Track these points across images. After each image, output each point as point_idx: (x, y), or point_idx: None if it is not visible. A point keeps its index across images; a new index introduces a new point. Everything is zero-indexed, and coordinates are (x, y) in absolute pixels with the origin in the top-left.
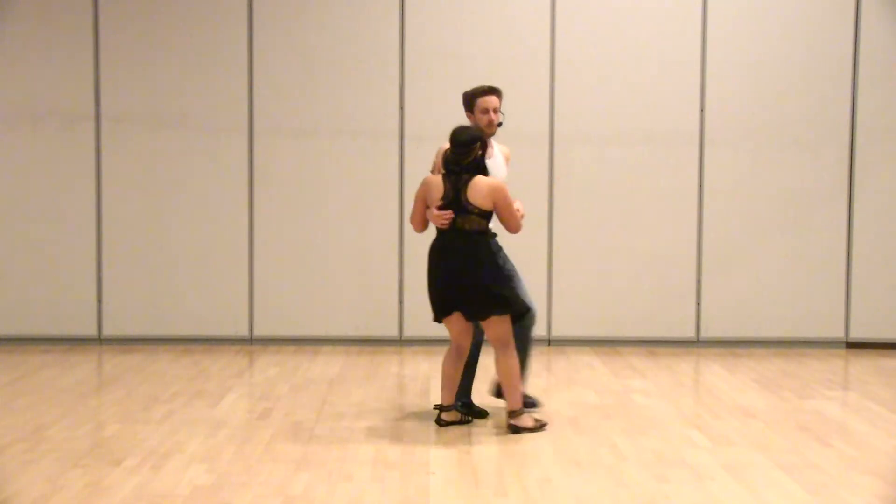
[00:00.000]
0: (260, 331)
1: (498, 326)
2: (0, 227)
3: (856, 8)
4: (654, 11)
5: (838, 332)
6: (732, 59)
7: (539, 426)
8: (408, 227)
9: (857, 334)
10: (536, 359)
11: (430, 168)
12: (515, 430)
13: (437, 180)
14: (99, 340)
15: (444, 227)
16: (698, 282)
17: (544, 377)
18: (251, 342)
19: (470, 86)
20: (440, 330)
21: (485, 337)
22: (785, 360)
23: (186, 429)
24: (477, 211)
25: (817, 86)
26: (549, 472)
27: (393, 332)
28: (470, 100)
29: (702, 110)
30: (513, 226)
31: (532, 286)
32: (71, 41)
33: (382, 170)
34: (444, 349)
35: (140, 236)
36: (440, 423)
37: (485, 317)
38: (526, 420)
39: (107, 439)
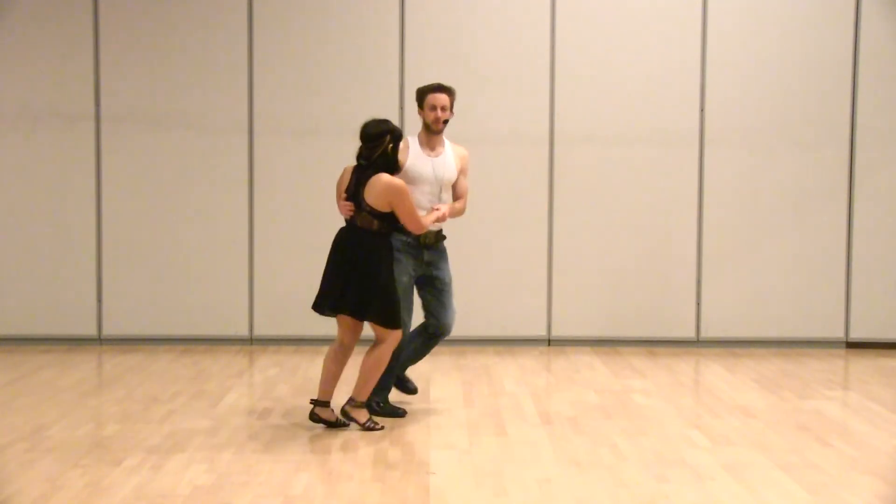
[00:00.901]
0: (260, 331)
1: (376, 329)
2: (0, 227)
3: (856, 8)
4: (654, 11)
5: (838, 332)
6: (732, 59)
7: (371, 427)
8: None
9: (857, 334)
10: (536, 358)
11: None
12: (347, 417)
13: (348, 171)
14: (99, 340)
15: (347, 218)
16: (698, 282)
17: (544, 377)
18: (251, 342)
19: (469, 87)
20: None
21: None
22: (785, 360)
23: (186, 429)
24: (369, 209)
25: (817, 86)
26: (549, 472)
27: None
28: (420, 96)
29: (702, 110)
30: (412, 226)
31: (532, 286)
32: (71, 41)
33: None
34: (444, 349)
35: (140, 236)
36: (313, 418)
37: (361, 317)
38: (362, 414)
39: (107, 439)
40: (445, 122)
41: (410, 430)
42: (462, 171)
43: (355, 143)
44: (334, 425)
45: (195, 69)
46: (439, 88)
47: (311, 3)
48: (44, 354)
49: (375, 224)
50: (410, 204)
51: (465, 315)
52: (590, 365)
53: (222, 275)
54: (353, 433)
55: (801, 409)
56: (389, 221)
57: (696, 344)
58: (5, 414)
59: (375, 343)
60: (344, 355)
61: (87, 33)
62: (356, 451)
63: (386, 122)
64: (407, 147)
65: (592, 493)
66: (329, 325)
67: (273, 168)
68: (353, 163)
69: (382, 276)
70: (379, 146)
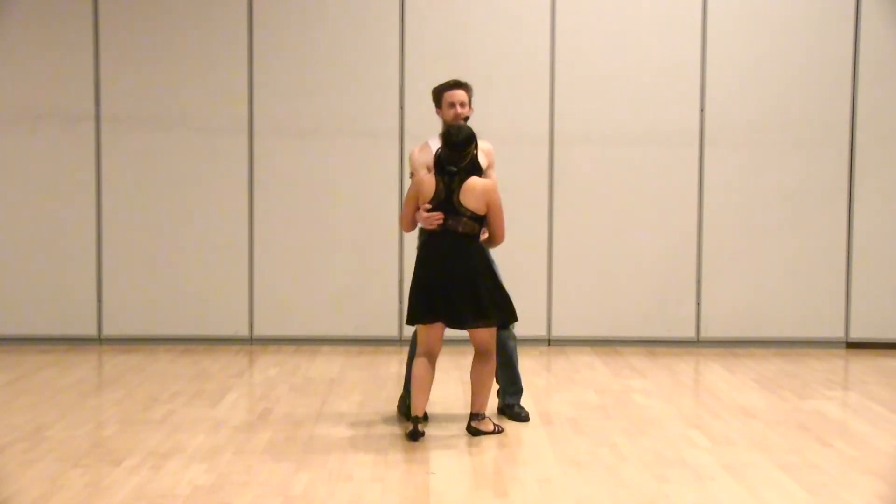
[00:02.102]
0: (260, 331)
1: (485, 333)
2: (0, 226)
3: (856, 8)
4: (654, 11)
5: (838, 332)
6: (732, 59)
7: (498, 430)
8: None
9: (857, 334)
10: (536, 359)
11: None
12: (476, 432)
13: (430, 179)
14: (99, 340)
15: (433, 228)
16: (698, 282)
17: (544, 377)
18: (251, 342)
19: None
20: None
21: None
22: (785, 360)
23: (186, 429)
24: (469, 214)
25: (817, 86)
26: (549, 472)
27: (393, 332)
28: (437, 95)
29: (702, 110)
30: (499, 233)
31: (532, 286)
32: (71, 41)
33: (382, 170)
34: (444, 349)
35: (140, 236)
36: (417, 436)
37: (475, 325)
38: (487, 424)
39: (107, 439)
40: (466, 118)
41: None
42: (489, 166)
43: (355, 143)
44: (419, 435)
45: (195, 69)
46: (456, 85)
47: (310, 3)
48: (44, 354)
49: (477, 228)
50: (502, 207)
51: None
52: (590, 365)
53: (222, 275)
54: (351, 433)
55: (801, 409)
56: (482, 224)
57: (696, 344)
58: (5, 414)
59: (480, 351)
60: (433, 363)
61: (87, 33)
62: (356, 451)
63: (467, 127)
64: (428, 149)
65: (592, 493)
66: (329, 326)
67: (273, 168)
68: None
69: (491, 278)
70: (469, 152)
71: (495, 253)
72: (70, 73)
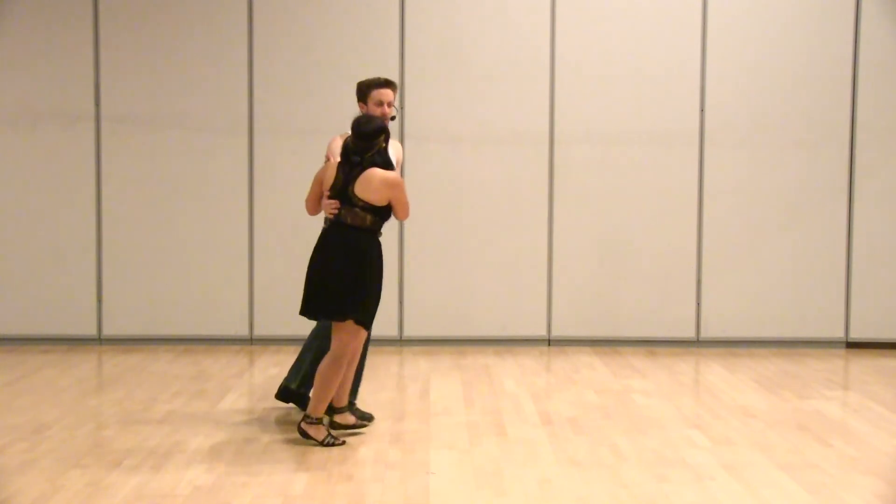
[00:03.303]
0: (260, 331)
1: (343, 331)
2: (0, 226)
3: (856, 8)
4: (654, 12)
5: (838, 332)
6: (732, 60)
7: (330, 442)
8: (407, 227)
9: (857, 334)
10: (536, 358)
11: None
12: (305, 435)
13: (332, 171)
14: (99, 340)
15: (330, 217)
16: (698, 282)
17: (544, 377)
18: (251, 342)
19: (469, 87)
20: (440, 330)
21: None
22: (785, 360)
23: (186, 429)
24: (361, 205)
25: (817, 86)
26: (549, 472)
27: (393, 332)
28: (364, 90)
29: (702, 110)
30: (405, 216)
31: (532, 286)
32: (71, 41)
33: None
34: (444, 349)
35: (140, 236)
36: (336, 427)
37: (333, 317)
38: (320, 432)
39: (107, 439)
40: (392, 118)
41: (410, 430)
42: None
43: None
44: (355, 429)
45: (195, 69)
46: (385, 84)
47: (310, 3)
48: (44, 354)
49: (369, 220)
50: (406, 195)
51: (465, 315)
52: (590, 365)
53: (222, 275)
54: (352, 433)
55: (801, 409)
56: (381, 217)
57: (696, 344)
58: (5, 414)
59: (333, 350)
60: (353, 359)
61: (87, 33)
62: (356, 451)
63: (377, 118)
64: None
65: (592, 493)
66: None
67: (273, 168)
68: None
69: (375, 275)
70: (375, 144)
71: (491, 257)
72: (70, 73)
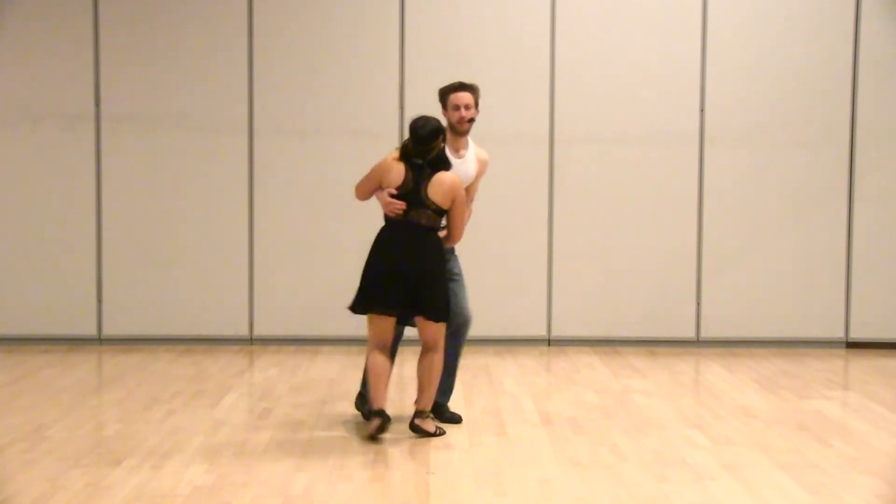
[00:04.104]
0: (260, 331)
1: (435, 328)
2: (0, 226)
3: (856, 8)
4: (654, 11)
5: (838, 332)
6: (732, 59)
7: (439, 432)
8: None
9: (857, 334)
10: (536, 358)
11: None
12: (418, 430)
13: (399, 167)
14: (99, 340)
15: (393, 216)
16: (698, 282)
17: (544, 377)
18: (251, 342)
19: None
20: None
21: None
22: (785, 360)
23: (186, 429)
24: (434, 207)
25: (817, 86)
26: (549, 472)
27: None
28: (442, 96)
29: (702, 110)
30: (458, 231)
31: (532, 286)
32: (71, 41)
33: None
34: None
35: (140, 236)
36: (381, 430)
37: (426, 315)
38: (430, 424)
39: (107, 439)
40: (471, 121)
41: (410, 431)
42: (479, 175)
43: (355, 143)
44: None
45: (195, 69)
46: (461, 87)
47: (311, 3)
48: (44, 354)
49: (439, 221)
50: (466, 207)
51: None
52: (590, 365)
53: (222, 275)
54: (351, 433)
55: (801, 409)
56: (442, 219)
57: (696, 344)
58: (5, 414)
59: (428, 347)
60: (388, 354)
61: (87, 33)
62: (356, 451)
63: (433, 119)
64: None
65: (592, 493)
66: (329, 326)
67: (273, 168)
68: (382, 158)
69: (445, 274)
70: (435, 146)
71: (491, 257)
72: (70, 73)
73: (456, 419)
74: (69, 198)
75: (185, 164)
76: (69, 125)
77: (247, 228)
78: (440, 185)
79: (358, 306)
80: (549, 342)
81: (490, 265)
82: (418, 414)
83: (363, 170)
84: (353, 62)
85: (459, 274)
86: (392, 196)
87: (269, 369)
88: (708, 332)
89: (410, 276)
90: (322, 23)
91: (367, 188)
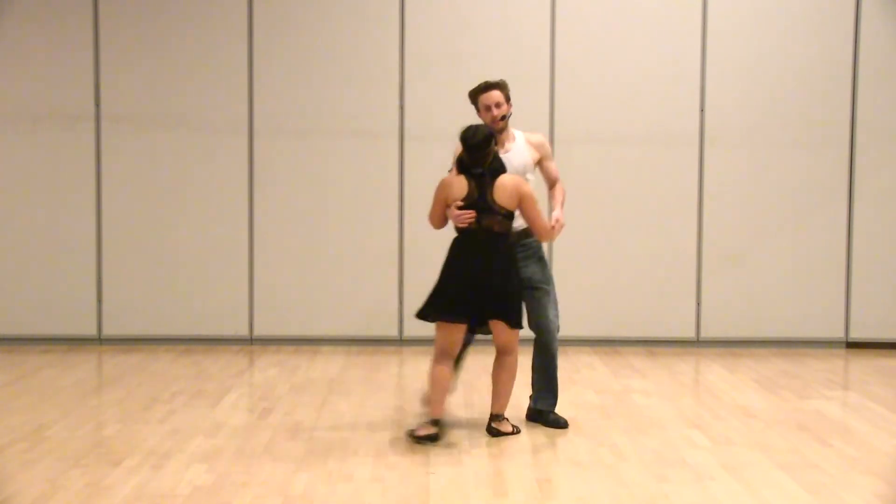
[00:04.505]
0: (260, 331)
1: (508, 333)
2: (0, 226)
3: (856, 8)
4: (654, 11)
5: (838, 332)
6: (732, 60)
7: (516, 431)
8: (408, 227)
9: (857, 334)
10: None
11: (448, 168)
12: (496, 433)
13: (460, 181)
14: (99, 340)
15: (465, 226)
16: (698, 282)
17: None
18: (251, 342)
19: (469, 87)
20: None
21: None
22: (785, 360)
23: (186, 429)
24: (504, 212)
25: (817, 86)
26: (549, 472)
27: (393, 332)
28: (472, 99)
29: (702, 110)
30: (540, 226)
31: None
32: (71, 41)
33: (382, 170)
34: None
35: (140, 236)
36: (434, 440)
37: (503, 319)
38: (506, 426)
39: (107, 439)
40: (504, 118)
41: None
42: (544, 157)
43: (355, 143)
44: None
45: (195, 69)
46: (487, 87)
47: (311, 3)
48: (44, 354)
49: (510, 226)
50: (536, 200)
51: None
52: (590, 365)
53: (222, 275)
54: (351, 433)
55: (801, 409)
56: (512, 221)
57: (696, 344)
58: (5, 414)
59: (503, 352)
60: (452, 364)
61: (87, 33)
62: (356, 451)
63: (482, 126)
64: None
65: (592, 493)
66: (329, 326)
67: (273, 168)
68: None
69: (519, 279)
70: (489, 152)
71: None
72: (70, 73)
73: (561, 423)
74: (69, 198)
75: (185, 164)
76: (69, 125)
77: (247, 228)
78: (503, 189)
79: (429, 314)
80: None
81: None
82: (494, 418)
83: (363, 169)
84: (353, 62)
85: (544, 281)
86: (459, 208)
87: (269, 369)
88: (708, 332)
89: (485, 283)
90: (322, 23)
91: (438, 212)
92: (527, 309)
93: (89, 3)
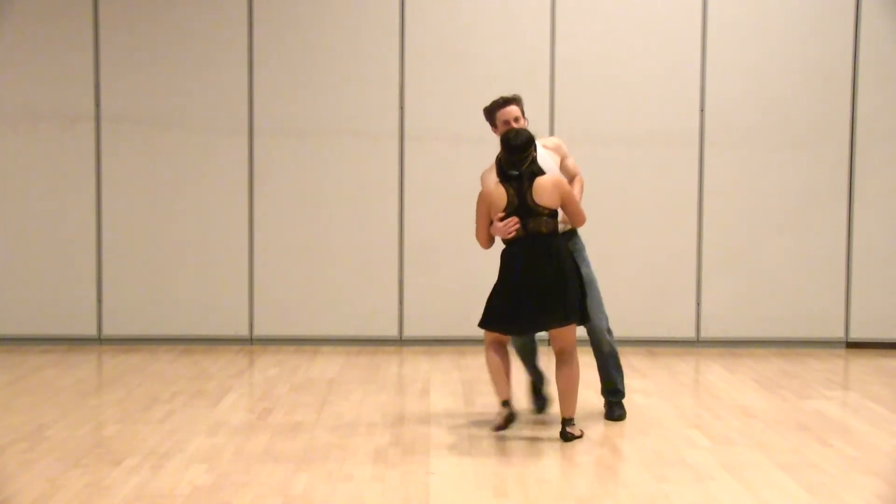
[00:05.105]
0: (260, 331)
1: (570, 333)
2: (0, 226)
3: (856, 8)
4: (655, 12)
5: (838, 332)
6: (732, 60)
7: (581, 434)
8: (408, 227)
9: (857, 334)
10: None
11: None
12: (569, 437)
13: (498, 190)
14: (99, 340)
15: (512, 235)
16: (698, 282)
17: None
18: (251, 342)
19: (469, 87)
20: (440, 330)
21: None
22: (785, 360)
23: (186, 429)
24: (547, 212)
25: (817, 86)
26: (549, 472)
27: (393, 332)
28: (490, 116)
29: (702, 110)
30: (577, 215)
31: None
32: (71, 41)
33: (382, 170)
34: (444, 349)
35: (140, 236)
36: (510, 419)
37: (563, 324)
38: (576, 429)
39: (107, 439)
40: None
41: (410, 430)
42: (563, 157)
43: (355, 143)
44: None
45: (195, 69)
46: (506, 102)
47: (311, 3)
48: (44, 354)
49: (555, 224)
50: (574, 194)
51: (465, 315)
52: (590, 365)
53: (222, 275)
54: (351, 433)
55: (801, 409)
56: (556, 219)
57: (696, 344)
58: (5, 414)
59: (566, 352)
60: (505, 349)
61: (87, 33)
62: (356, 451)
63: (525, 130)
64: (493, 169)
65: (592, 493)
66: (329, 326)
67: (273, 168)
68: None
69: (576, 273)
70: (529, 154)
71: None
72: (70, 73)
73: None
74: (69, 198)
75: (185, 164)
76: (69, 125)
77: (247, 228)
78: (544, 189)
79: (487, 324)
80: (549, 342)
81: (491, 265)
82: (565, 422)
83: (363, 169)
84: (353, 62)
85: (582, 276)
86: (500, 219)
87: (269, 369)
88: (708, 332)
89: (545, 287)
90: (322, 23)
91: (483, 228)
92: None
93: (89, 3)
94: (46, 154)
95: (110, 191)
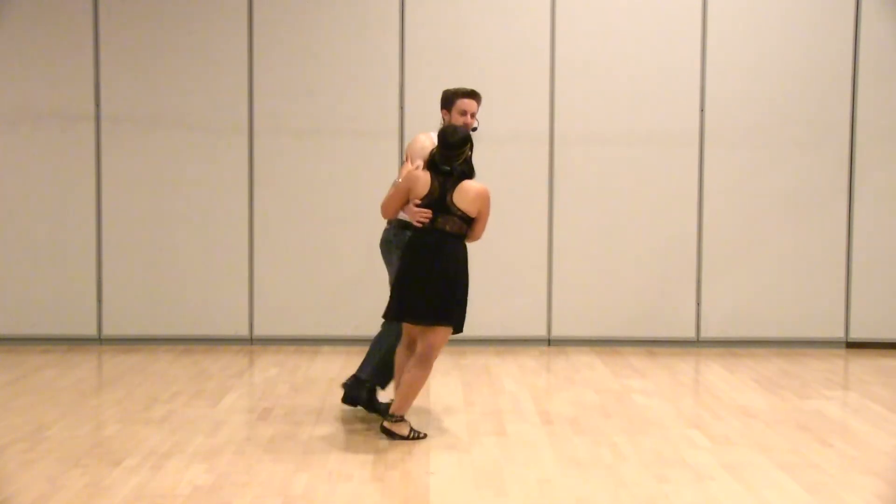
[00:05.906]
0: (260, 331)
1: (438, 335)
2: (0, 226)
3: (856, 8)
4: (654, 12)
5: (838, 332)
6: (732, 59)
7: (415, 435)
8: None
9: (857, 334)
10: (536, 358)
11: (405, 159)
12: (389, 433)
13: (426, 177)
14: (99, 340)
15: (421, 225)
16: (698, 282)
17: (544, 377)
18: (251, 342)
19: (470, 85)
20: None
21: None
22: (785, 360)
23: (186, 429)
24: (460, 214)
25: (817, 86)
26: (549, 472)
27: None
28: (450, 98)
29: (702, 110)
30: (479, 234)
31: (532, 286)
32: (71, 41)
33: (382, 170)
34: (444, 349)
35: (140, 236)
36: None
37: (436, 323)
38: (403, 428)
39: (107, 439)
40: (473, 129)
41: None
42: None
43: (355, 143)
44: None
45: (195, 69)
46: (471, 94)
47: (311, 3)
48: (44, 354)
49: (465, 228)
50: (489, 214)
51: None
52: (590, 365)
53: (222, 275)
54: (351, 433)
55: (801, 409)
56: (469, 226)
57: (696, 344)
58: (5, 414)
59: (427, 351)
60: (413, 351)
61: (87, 33)
62: (356, 451)
63: (462, 128)
64: (431, 142)
65: (592, 493)
66: (329, 326)
67: (273, 168)
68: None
69: (466, 280)
70: (462, 153)
71: (491, 257)
72: (70, 73)
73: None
74: (69, 198)
75: (185, 164)
76: (69, 125)
77: (247, 228)
78: (466, 193)
79: (390, 314)
80: (549, 342)
81: (490, 265)
82: (390, 416)
83: (363, 169)
84: (353, 62)
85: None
86: (417, 206)
87: (269, 369)
88: (708, 332)
89: (431, 281)
90: (322, 23)
91: (396, 204)
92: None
93: (89, 3)
94: (46, 154)
95: (110, 191)
